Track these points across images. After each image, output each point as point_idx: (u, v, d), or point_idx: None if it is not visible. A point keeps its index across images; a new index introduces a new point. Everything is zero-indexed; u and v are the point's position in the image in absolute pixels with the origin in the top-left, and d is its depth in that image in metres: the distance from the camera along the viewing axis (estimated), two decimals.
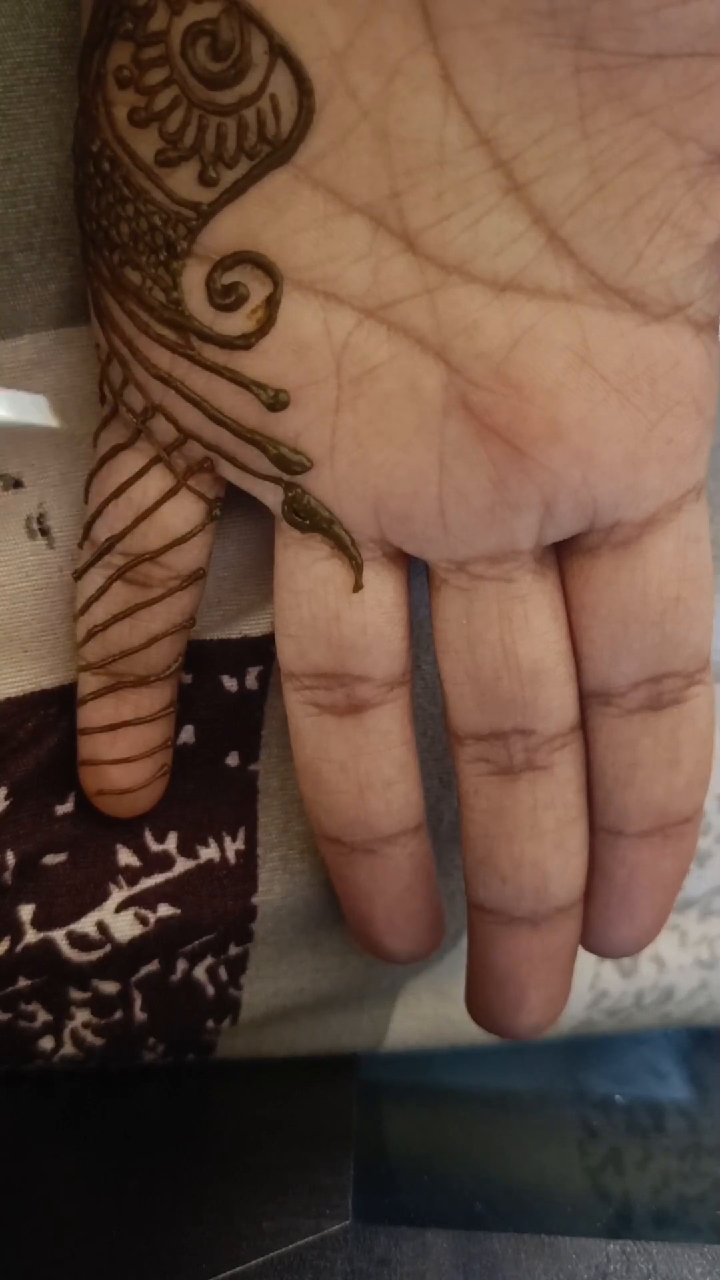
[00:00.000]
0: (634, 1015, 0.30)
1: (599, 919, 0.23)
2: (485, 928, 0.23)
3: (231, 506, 0.22)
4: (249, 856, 0.25)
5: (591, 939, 0.23)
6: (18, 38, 0.20)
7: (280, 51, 0.17)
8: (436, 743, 0.25)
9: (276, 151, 0.18)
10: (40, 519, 0.23)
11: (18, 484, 0.22)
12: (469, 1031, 0.26)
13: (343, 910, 0.24)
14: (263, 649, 0.24)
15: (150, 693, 0.23)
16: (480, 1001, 0.24)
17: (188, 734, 0.25)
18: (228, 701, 0.25)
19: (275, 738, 0.25)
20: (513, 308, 0.18)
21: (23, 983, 0.25)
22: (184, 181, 0.18)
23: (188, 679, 0.24)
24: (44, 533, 0.23)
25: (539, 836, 0.22)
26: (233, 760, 0.25)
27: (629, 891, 0.22)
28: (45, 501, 0.23)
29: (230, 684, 0.24)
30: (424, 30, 0.17)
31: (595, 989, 0.29)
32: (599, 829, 0.22)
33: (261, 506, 0.21)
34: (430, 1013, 0.29)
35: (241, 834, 0.25)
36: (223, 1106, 0.28)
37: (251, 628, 0.24)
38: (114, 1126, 0.27)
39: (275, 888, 0.26)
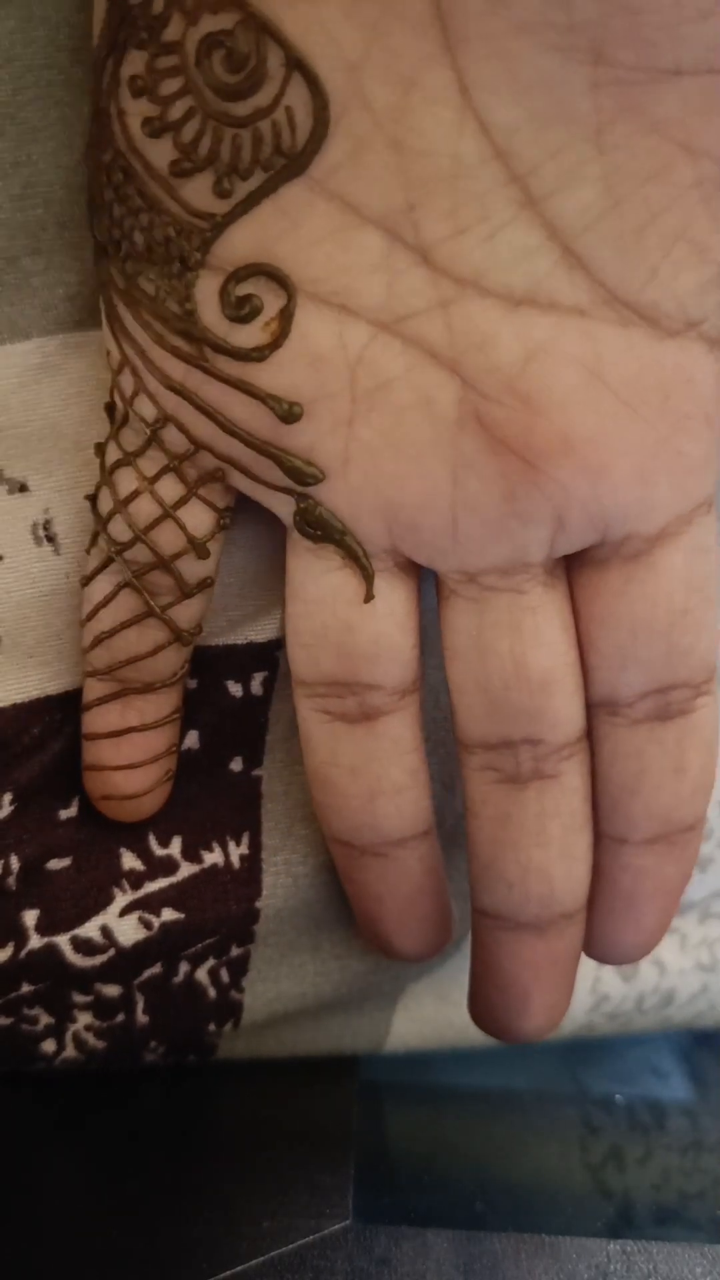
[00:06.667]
0: (634, 1019, 0.30)
1: (602, 925, 0.23)
2: (490, 933, 0.23)
3: (237, 512, 0.22)
4: (252, 861, 0.25)
5: (594, 945, 0.23)
6: (25, 41, 0.19)
7: (296, 64, 0.17)
8: (440, 746, 0.25)
9: (291, 164, 0.18)
10: (46, 525, 0.22)
11: (23, 488, 0.22)
12: (469, 1034, 0.26)
13: (352, 910, 0.24)
14: (268, 654, 0.24)
15: (156, 699, 0.23)
16: (483, 1006, 0.24)
17: (192, 739, 0.25)
18: (232, 707, 0.24)
19: (279, 743, 0.25)
20: (526, 322, 0.18)
21: (26, 988, 0.25)
22: (198, 193, 0.18)
23: (193, 684, 0.24)
24: (50, 539, 0.23)
25: (545, 844, 0.22)
26: (236, 765, 0.25)
27: (633, 898, 0.23)
28: (51, 507, 0.22)
29: (235, 689, 0.24)
30: (439, 42, 0.16)
31: (596, 993, 0.29)
32: (603, 836, 0.22)
33: (267, 512, 0.21)
34: (431, 1015, 0.29)
35: (245, 838, 0.25)
36: (223, 1107, 0.28)
37: (257, 633, 0.24)
38: (114, 1126, 0.27)
39: (278, 891, 0.26)
